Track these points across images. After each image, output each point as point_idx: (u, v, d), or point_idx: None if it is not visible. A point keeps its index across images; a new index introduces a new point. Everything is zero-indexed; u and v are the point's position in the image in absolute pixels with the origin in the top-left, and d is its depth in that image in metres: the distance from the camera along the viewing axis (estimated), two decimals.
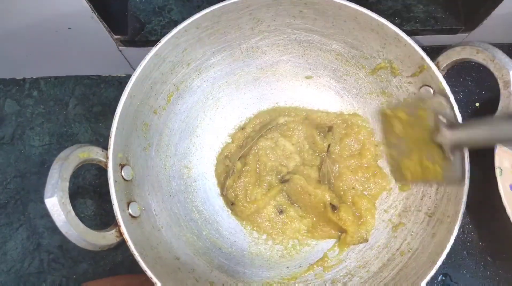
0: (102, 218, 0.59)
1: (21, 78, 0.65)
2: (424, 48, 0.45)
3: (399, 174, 0.52)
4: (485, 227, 0.57)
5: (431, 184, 0.48)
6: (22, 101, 0.64)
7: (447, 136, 0.43)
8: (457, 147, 0.43)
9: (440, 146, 0.44)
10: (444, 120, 0.43)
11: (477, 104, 0.61)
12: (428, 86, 0.46)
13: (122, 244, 0.42)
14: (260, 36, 0.52)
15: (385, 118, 0.52)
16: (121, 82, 0.64)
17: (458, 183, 0.44)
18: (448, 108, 0.44)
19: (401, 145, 0.50)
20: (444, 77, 0.45)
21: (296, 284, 0.50)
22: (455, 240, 0.42)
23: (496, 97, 0.43)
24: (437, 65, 0.45)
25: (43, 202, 0.59)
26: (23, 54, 0.58)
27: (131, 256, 0.56)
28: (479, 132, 0.41)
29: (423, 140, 0.46)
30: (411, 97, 0.49)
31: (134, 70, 0.62)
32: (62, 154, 0.39)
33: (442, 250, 0.42)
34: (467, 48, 0.43)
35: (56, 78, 0.64)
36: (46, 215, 0.60)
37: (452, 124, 0.43)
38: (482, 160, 0.48)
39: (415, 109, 0.47)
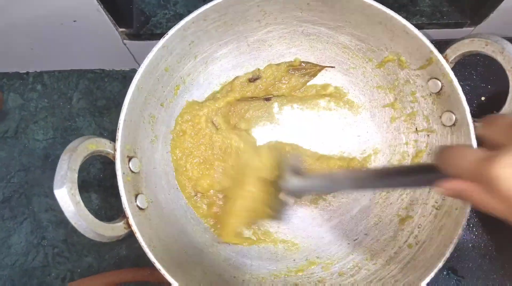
0: (107, 212, 0.59)
1: (25, 72, 0.64)
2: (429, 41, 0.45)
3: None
4: (491, 220, 0.56)
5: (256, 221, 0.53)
6: (26, 95, 0.64)
7: (291, 182, 0.48)
8: (294, 193, 0.48)
9: (279, 190, 0.49)
10: (291, 169, 0.49)
11: (483, 98, 0.61)
12: (436, 79, 0.46)
13: (128, 237, 0.42)
14: (267, 28, 0.52)
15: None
16: (125, 76, 0.64)
17: (278, 221, 0.52)
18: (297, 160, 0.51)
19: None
20: (452, 70, 0.45)
21: (303, 277, 0.50)
22: (461, 233, 0.42)
23: (502, 91, 0.43)
24: (445, 57, 0.45)
25: (47, 196, 0.60)
26: (27, 47, 0.57)
27: (136, 249, 0.57)
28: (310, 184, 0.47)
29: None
30: None
31: (139, 64, 0.63)
32: (70, 145, 0.38)
33: (450, 242, 0.42)
34: (476, 41, 0.43)
35: (60, 72, 0.64)
36: (50, 209, 0.59)
37: (298, 173, 0.48)
38: None
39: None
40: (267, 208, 0.50)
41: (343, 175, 0.46)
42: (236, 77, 0.55)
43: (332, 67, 0.55)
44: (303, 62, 0.56)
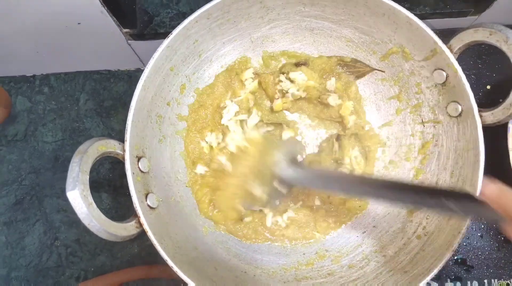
0: (118, 211, 0.60)
1: (31, 75, 0.65)
2: (433, 32, 0.45)
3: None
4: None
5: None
6: (33, 97, 0.64)
7: (288, 172, 0.48)
8: (287, 182, 0.48)
9: (279, 178, 0.48)
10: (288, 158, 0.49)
11: (488, 87, 0.60)
12: (441, 69, 0.46)
13: (139, 235, 0.42)
14: (270, 24, 0.52)
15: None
16: (131, 76, 0.64)
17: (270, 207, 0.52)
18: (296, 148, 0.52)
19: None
20: (456, 60, 0.45)
21: (313, 270, 0.50)
22: (469, 223, 0.42)
23: (507, 79, 0.43)
24: (449, 48, 0.45)
25: (58, 197, 0.61)
26: (32, 50, 0.58)
27: (148, 247, 0.58)
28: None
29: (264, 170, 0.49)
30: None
31: (144, 63, 0.63)
32: (81, 148, 0.39)
33: (459, 233, 0.42)
34: (480, 30, 0.43)
35: (66, 74, 0.65)
36: (62, 210, 0.60)
37: (294, 164, 0.49)
38: (496, 142, 0.48)
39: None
40: (261, 194, 0.49)
41: (345, 178, 0.46)
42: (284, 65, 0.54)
43: (382, 71, 0.53)
44: (353, 59, 0.54)
